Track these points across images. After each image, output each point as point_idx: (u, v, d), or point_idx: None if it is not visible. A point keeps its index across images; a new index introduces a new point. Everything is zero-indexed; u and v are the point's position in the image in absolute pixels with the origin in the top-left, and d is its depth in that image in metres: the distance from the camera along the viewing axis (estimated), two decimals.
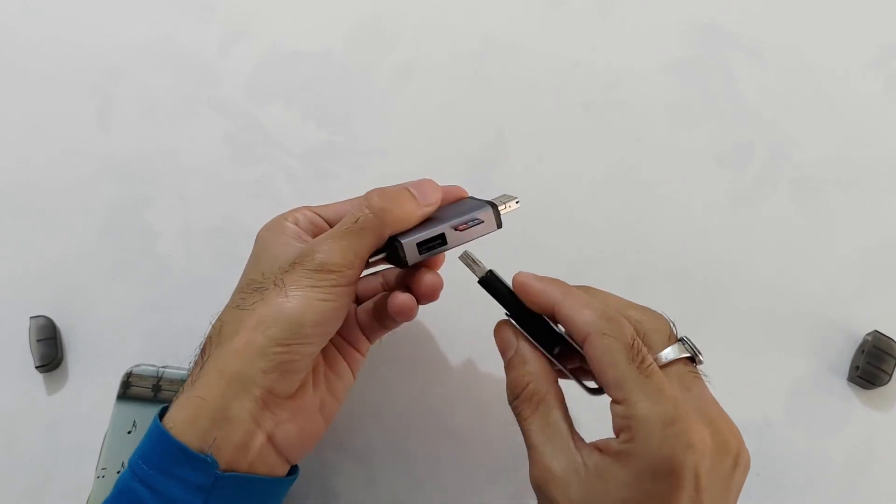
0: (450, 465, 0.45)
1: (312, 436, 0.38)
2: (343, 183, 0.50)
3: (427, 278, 0.38)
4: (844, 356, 0.47)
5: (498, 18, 0.54)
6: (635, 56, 0.53)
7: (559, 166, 0.51)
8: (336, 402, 0.39)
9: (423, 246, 0.36)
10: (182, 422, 0.33)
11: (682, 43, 0.53)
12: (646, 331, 0.33)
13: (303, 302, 0.34)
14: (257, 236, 0.38)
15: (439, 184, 0.38)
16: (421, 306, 0.39)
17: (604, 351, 0.31)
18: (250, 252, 0.38)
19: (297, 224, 0.38)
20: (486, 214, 0.38)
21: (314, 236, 0.38)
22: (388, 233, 0.36)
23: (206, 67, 0.53)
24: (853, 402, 0.46)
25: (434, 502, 0.44)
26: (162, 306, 0.48)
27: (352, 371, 0.40)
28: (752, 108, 0.52)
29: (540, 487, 0.31)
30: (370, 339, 0.41)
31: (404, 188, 0.36)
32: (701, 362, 0.33)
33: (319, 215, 0.39)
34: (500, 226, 0.38)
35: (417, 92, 0.52)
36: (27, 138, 0.52)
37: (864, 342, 0.46)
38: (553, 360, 0.34)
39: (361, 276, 0.38)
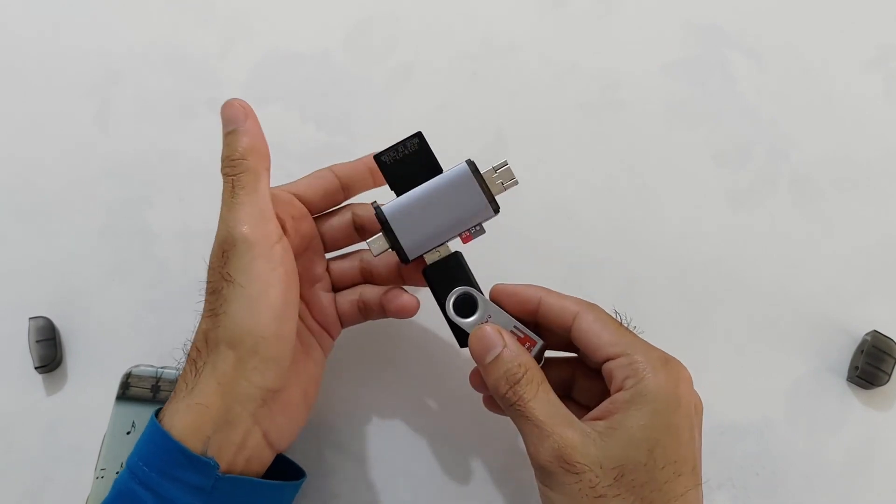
0: (450, 465, 0.45)
1: (299, 423, 0.39)
2: None
3: (405, 298, 0.39)
4: (844, 356, 0.47)
5: (496, 20, 0.54)
6: (634, 57, 0.53)
7: (558, 167, 0.51)
8: (314, 387, 0.40)
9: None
10: (184, 427, 0.34)
11: (681, 43, 0.53)
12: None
13: (261, 294, 0.35)
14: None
15: None
16: (421, 305, 0.40)
17: (595, 319, 0.35)
18: None
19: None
20: (489, 220, 0.38)
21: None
22: (263, 168, 0.37)
23: (205, 69, 0.53)
24: (852, 402, 0.46)
25: (434, 502, 0.44)
26: (161, 307, 0.48)
27: (324, 354, 0.41)
28: (751, 109, 0.52)
29: (560, 459, 0.32)
30: (345, 325, 0.42)
31: (224, 135, 0.37)
32: None
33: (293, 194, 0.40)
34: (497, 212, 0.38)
35: (417, 93, 0.52)
36: (27, 139, 0.52)
37: (864, 342, 0.46)
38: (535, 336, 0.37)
39: (331, 256, 0.41)
